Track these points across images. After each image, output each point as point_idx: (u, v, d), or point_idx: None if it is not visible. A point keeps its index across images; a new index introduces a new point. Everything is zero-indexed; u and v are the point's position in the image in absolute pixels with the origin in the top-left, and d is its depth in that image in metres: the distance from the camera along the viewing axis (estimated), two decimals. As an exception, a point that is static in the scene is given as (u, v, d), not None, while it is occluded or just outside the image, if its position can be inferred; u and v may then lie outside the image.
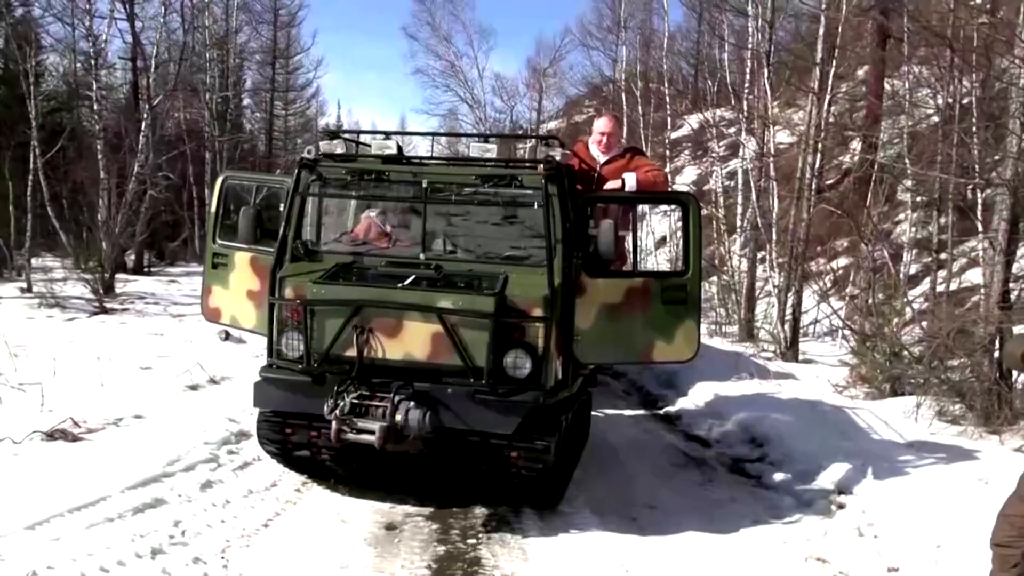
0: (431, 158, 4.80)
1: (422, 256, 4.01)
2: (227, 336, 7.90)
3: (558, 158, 3.95)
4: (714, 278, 12.33)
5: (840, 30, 9.46)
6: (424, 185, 4.04)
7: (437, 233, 4.10)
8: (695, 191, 16.72)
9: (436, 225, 4.11)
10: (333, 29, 52.86)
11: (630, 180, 4.36)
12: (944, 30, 7.68)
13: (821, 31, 9.09)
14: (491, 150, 4.02)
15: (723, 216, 12.49)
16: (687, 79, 23.57)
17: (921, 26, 8.41)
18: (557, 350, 3.78)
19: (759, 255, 11.25)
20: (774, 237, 9.69)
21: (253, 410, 3.92)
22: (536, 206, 3.92)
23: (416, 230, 4.12)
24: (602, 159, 4.64)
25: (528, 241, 4.00)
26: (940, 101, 8.41)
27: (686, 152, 20.55)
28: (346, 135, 4.30)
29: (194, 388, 5.84)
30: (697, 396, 6.86)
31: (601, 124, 4.70)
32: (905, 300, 7.61)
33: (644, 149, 16.23)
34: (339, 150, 4.10)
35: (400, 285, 3.66)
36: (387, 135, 4.14)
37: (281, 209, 4.11)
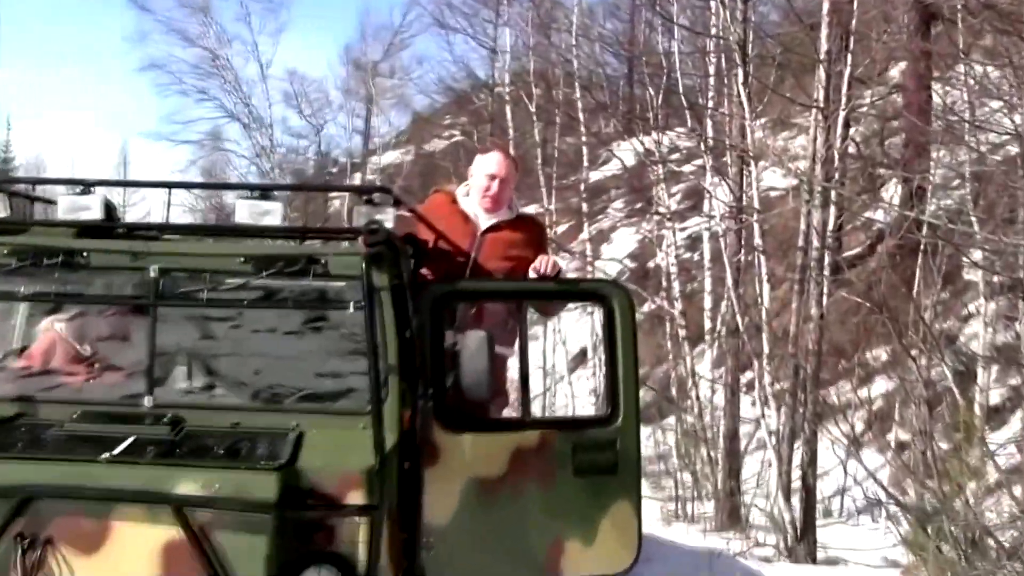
0: (166, 227, 4.92)
1: (148, 401, 4.09)
2: None
3: (389, 225, 4.23)
4: (669, 420, 13.06)
5: (856, 6, 10.34)
6: (153, 275, 4.17)
7: (176, 357, 4.21)
8: (629, 275, 17.84)
9: (175, 342, 4.23)
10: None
11: (548, 266, 4.57)
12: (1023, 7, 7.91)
13: (826, 6, 9.74)
14: (273, 212, 4.24)
15: (681, 314, 13.37)
16: (615, 83, 25.59)
17: (984, 2, 8.63)
18: (393, 566, 3.92)
19: (743, 379, 12.03)
20: (766, 348, 10.39)
21: None
22: (352, 308, 4.13)
23: (137, 353, 4.21)
24: (485, 222, 4.92)
25: (339, 367, 4.21)
26: (1020, 119, 8.22)
27: (616, 204, 22.05)
28: (11, 184, 4.38)
29: None
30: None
31: (490, 163, 4.96)
32: (986, 450, 7.94)
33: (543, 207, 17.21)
34: (-3, 213, 4.19)
35: (106, 457, 3.74)
36: (86, 185, 4.25)
37: None
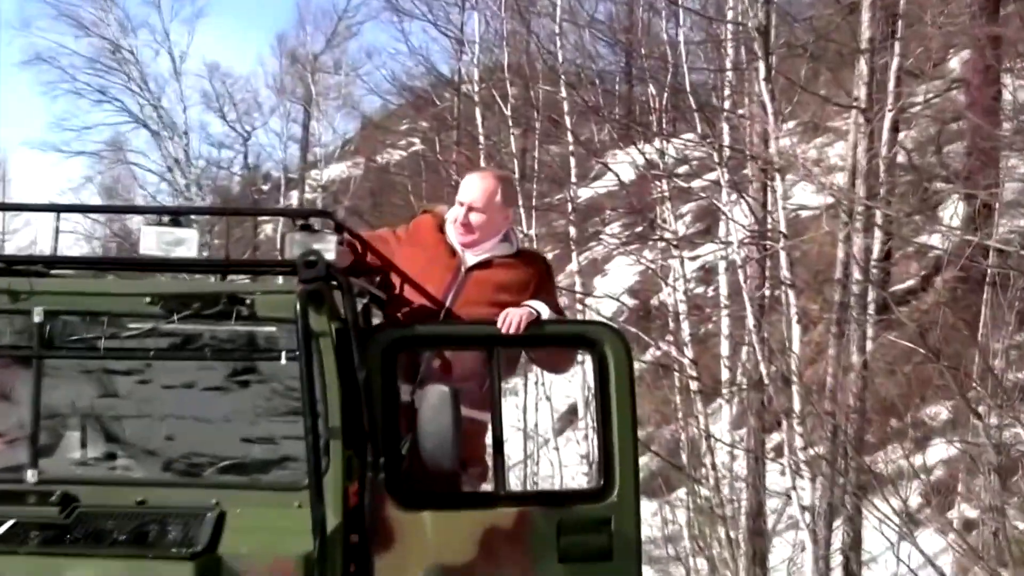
0: (55, 260, 4.91)
1: (31, 475, 4.09)
2: None
3: (330, 256, 4.26)
4: (679, 494, 13.07)
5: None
6: (37, 319, 4.19)
7: (67, 421, 4.23)
8: (628, 315, 17.84)
9: (66, 402, 4.24)
10: None
11: (515, 321, 4.59)
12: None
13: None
14: (188, 241, 4.27)
15: (692, 363, 13.47)
16: (609, 80, 25.80)
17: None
18: None
19: (768, 443, 12.26)
20: (797, 405, 10.46)
21: None
22: (284, 358, 4.18)
23: (18, 415, 4.22)
24: (472, 258, 4.97)
25: (269, 430, 4.24)
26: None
27: (611, 228, 22.16)
28: None
29: None
30: None
31: (464, 187, 4.99)
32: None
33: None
34: None
35: None
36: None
37: None
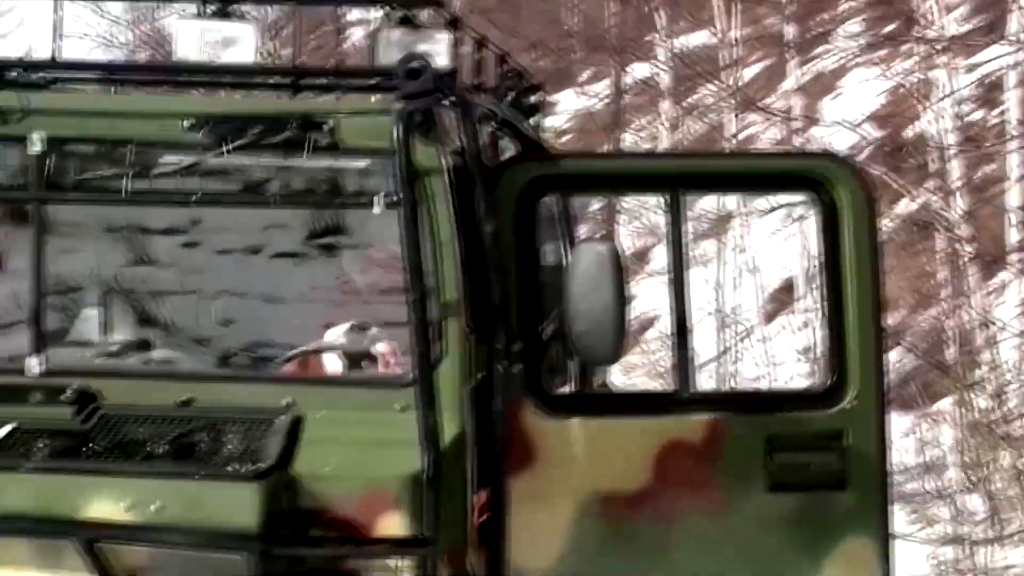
0: (59, 66, 4.95)
1: (35, 365, 4.20)
2: None
3: (443, 62, 4.26)
4: (943, 404, 13.01)
5: None
6: (36, 148, 4.24)
7: (83, 294, 4.36)
8: (870, 149, 17.53)
9: (81, 268, 4.38)
10: None
11: None
12: None
13: None
14: (243, 41, 4.29)
15: (965, 217, 13.22)
16: None
17: None
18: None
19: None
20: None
21: None
22: (380, 205, 4.20)
23: (14, 287, 4.36)
24: None
25: (360, 307, 4.34)
26: None
27: (848, 27, 21.62)
28: None
29: None
30: None
31: None
32: None
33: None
34: None
35: None
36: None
37: None
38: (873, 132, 17.83)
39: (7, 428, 3.97)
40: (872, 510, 4.45)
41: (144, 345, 4.33)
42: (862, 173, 4.84)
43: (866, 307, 4.49)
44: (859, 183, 4.60)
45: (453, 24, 4.46)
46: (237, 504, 3.75)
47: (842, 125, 17.29)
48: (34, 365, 4.18)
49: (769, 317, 16.64)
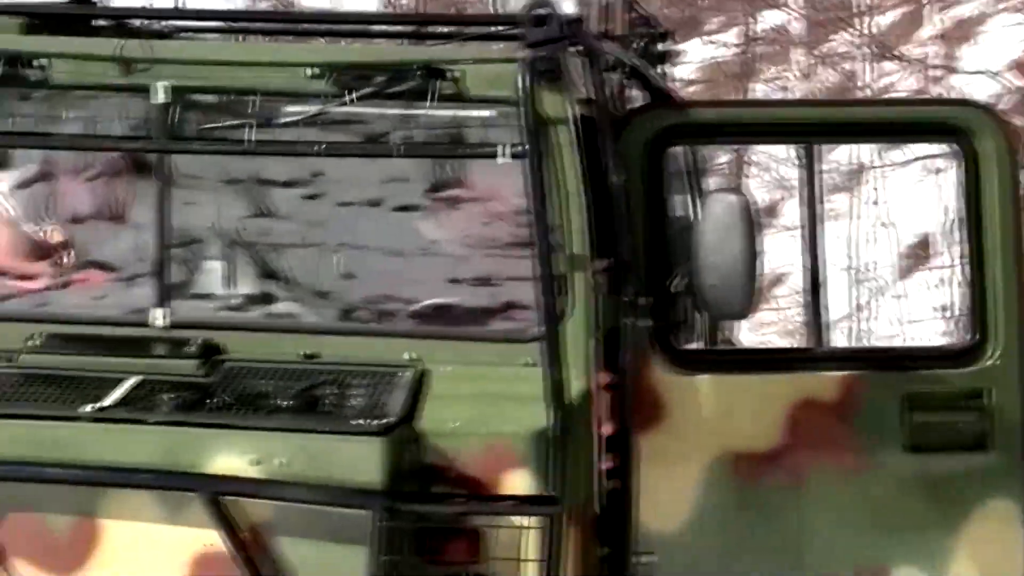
0: (182, 15, 4.95)
1: (159, 317, 4.23)
2: None
3: (570, 9, 4.29)
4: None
5: None
6: (160, 99, 4.27)
7: (206, 247, 4.36)
8: (1013, 98, 17.23)
9: (203, 221, 4.37)
10: None
11: None
12: None
13: None
14: None
15: None
16: None
17: None
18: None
19: None
20: None
21: None
22: (505, 155, 4.16)
23: (138, 239, 4.36)
24: None
25: (485, 261, 4.31)
26: None
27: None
28: None
29: None
30: None
31: None
32: None
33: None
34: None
35: (88, 411, 3.91)
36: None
37: None
38: (1016, 81, 17.54)
39: (133, 381, 3.97)
40: (1016, 472, 4.35)
41: (267, 298, 4.36)
42: (1005, 122, 4.72)
43: (1009, 261, 4.41)
44: (1002, 132, 4.50)
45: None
46: (362, 459, 3.76)
47: (983, 73, 17.06)
48: (159, 317, 4.22)
49: (905, 273, 16.41)
